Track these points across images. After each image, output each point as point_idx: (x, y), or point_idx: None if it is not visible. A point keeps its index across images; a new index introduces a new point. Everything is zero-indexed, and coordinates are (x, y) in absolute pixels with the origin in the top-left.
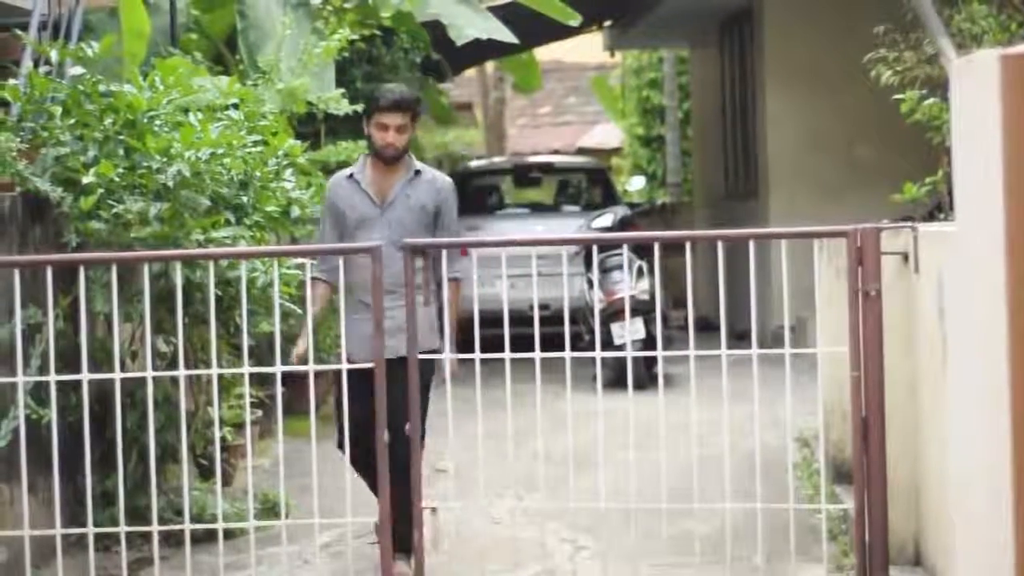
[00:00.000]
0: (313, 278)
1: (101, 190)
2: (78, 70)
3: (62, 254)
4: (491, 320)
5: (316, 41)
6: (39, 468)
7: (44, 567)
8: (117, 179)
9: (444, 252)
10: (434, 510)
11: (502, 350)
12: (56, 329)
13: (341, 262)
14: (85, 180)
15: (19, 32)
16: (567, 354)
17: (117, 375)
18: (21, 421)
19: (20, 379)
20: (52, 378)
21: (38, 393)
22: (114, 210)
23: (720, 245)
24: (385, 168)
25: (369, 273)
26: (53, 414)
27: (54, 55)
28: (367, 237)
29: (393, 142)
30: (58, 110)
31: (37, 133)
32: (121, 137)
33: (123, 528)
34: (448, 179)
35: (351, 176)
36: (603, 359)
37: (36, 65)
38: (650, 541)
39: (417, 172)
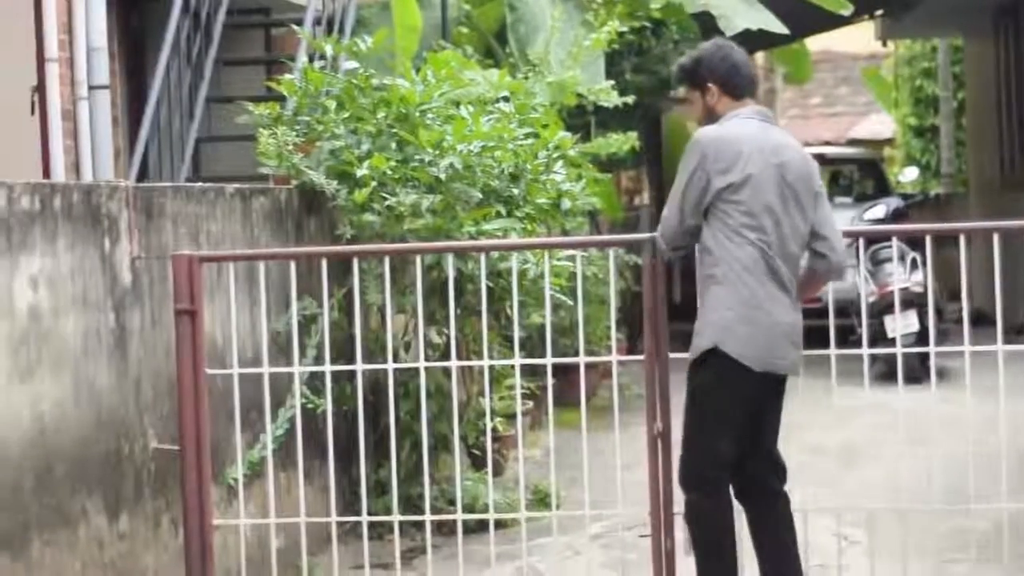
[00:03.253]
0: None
1: (374, 183)
2: (352, 64)
3: (336, 246)
4: None
5: (586, 33)
6: (314, 456)
7: (319, 554)
8: (390, 172)
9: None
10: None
11: None
12: (331, 320)
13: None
14: (359, 173)
15: (295, 27)
16: (831, 351)
17: (390, 365)
18: (297, 410)
19: (296, 369)
20: (327, 368)
21: (313, 383)
22: (387, 203)
23: (996, 237)
24: None
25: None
26: (328, 404)
27: (329, 50)
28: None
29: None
30: (333, 104)
31: (312, 127)
32: (394, 130)
33: (396, 517)
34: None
35: None
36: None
37: (311, 60)
38: (922, 537)
39: None
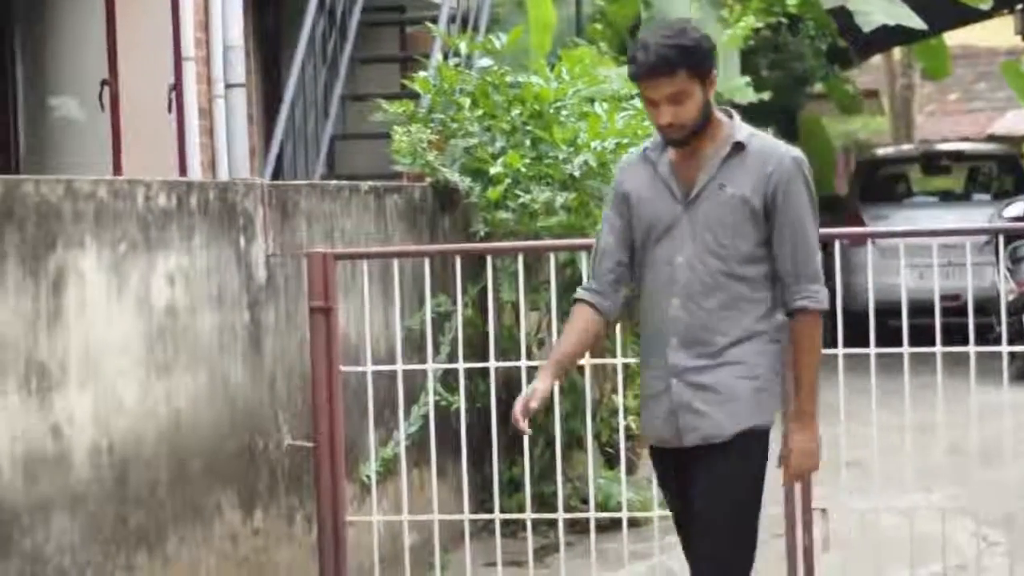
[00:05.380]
0: (576, 299)
1: (508, 180)
2: (486, 62)
3: (470, 243)
4: (889, 311)
5: (721, 30)
6: (448, 454)
7: (452, 551)
8: (524, 169)
9: (787, 265)
10: (824, 511)
11: (898, 343)
12: (464, 317)
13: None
14: (493, 170)
15: (430, 25)
16: (971, 348)
17: (523, 363)
18: (431, 407)
19: (430, 366)
20: (461, 365)
21: (447, 380)
22: (521, 200)
23: None
24: (685, 148)
25: (666, 311)
26: (462, 401)
27: (463, 47)
28: (666, 251)
29: (672, 121)
30: (467, 101)
31: (446, 124)
32: (528, 128)
33: (529, 515)
34: (792, 153)
35: (645, 154)
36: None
37: (445, 57)
38: None
39: (738, 145)
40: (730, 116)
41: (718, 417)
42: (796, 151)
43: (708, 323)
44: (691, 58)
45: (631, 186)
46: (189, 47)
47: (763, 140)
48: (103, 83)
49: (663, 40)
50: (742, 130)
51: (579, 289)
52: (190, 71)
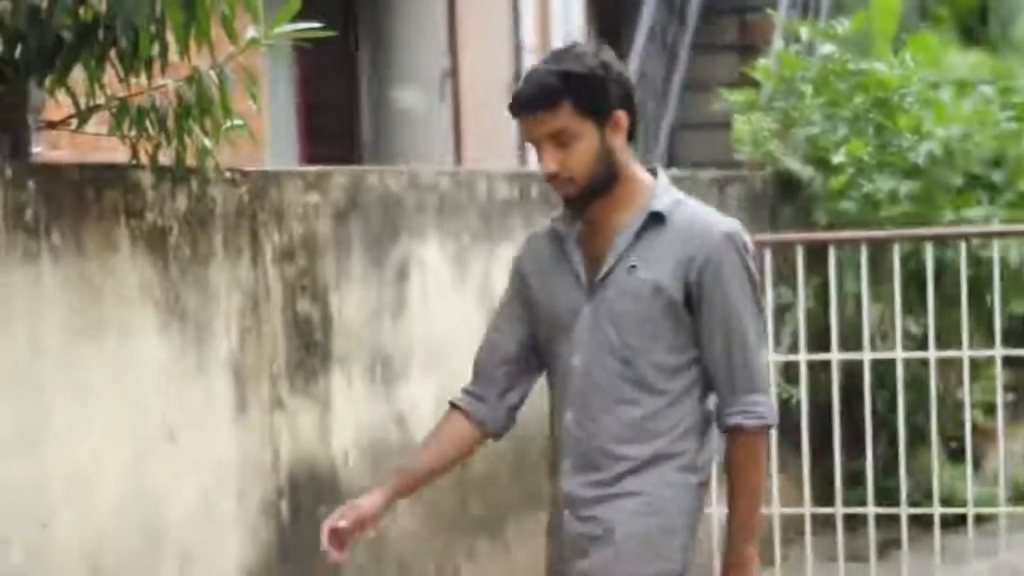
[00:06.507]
0: (450, 403)
1: (851, 169)
2: (828, 48)
3: (812, 233)
4: None
5: None
6: (788, 447)
7: (793, 544)
8: (867, 158)
9: (719, 371)
10: None
11: None
12: (806, 308)
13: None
14: (835, 159)
15: (770, 12)
16: None
17: (866, 355)
18: (772, 399)
19: (771, 357)
20: (802, 357)
21: (788, 372)
22: (864, 189)
23: None
24: (590, 214)
25: (561, 426)
26: (803, 393)
27: (804, 34)
28: (564, 349)
29: (558, 170)
30: (808, 89)
31: (787, 112)
32: (871, 115)
33: (871, 509)
34: (724, 226)
35: (552, 224)
36: None
37: (786, 45)
38: None
39: (656, 216)
40: (654, 175)
41: (603, 563)
42: (731, 223)
43: (605, 445)
44: (579, 89)
45: (531, 265)
46: (529, 38)
47: (691, 210)
48: (444, 74)
49: (548, 65)
50: (665, 195)
51: (459, 391)
52: (530, 61)
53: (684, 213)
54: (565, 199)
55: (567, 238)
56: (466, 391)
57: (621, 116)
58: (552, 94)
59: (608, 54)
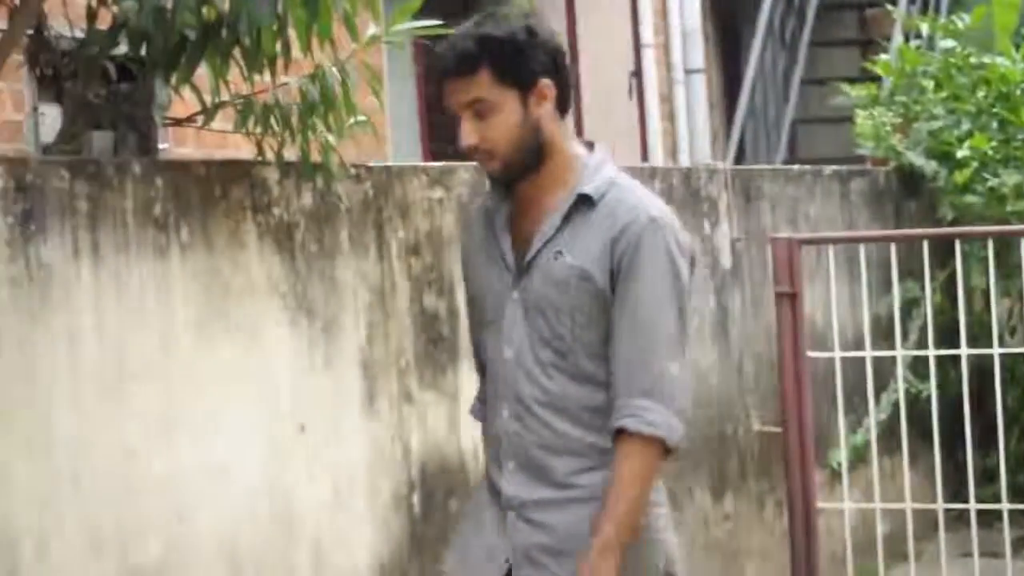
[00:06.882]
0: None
1: (975, 163)
2: (949, 43)
3: (937, 228)
4: None
5: None
6: (919, 442)
7: (925, 540)
8: (991, 152)
9: (618, 367)
10: None
11: None
12: (933, 303)
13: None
14: (959, 154)
15: (890, 7)
16: None
17: (996, 350)
18: (900, 394)
19: (899, 352)
20: (931, 352)
21: (916, 367)
22: (989, 183)
23: None
24: (519, 192)
25: (496, 422)
26: (932, 388)
27: (924, 29)
28: (495, 339)
29: (477, 143)
30: (930, 84)
31: (909, 107)
32: (994, 110)
33: (1005, 505)
34: (651, 211)
35: (485, 201)
36: None
37: (907, 39)
38: None
39: (584, 197)
40: (591, 150)
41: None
42: (659, 207)
43: (548, 442)
44: (499, 55)
45: (470, 245)
46: (648, 34)
47: (621, 191)
48: None
49: (467, 30)
50: (597, 175)
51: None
52: (649, 57)
53: (614, 194)
54: (489, 176)
55: (496, 217)
56: (476, 397)
57: (547, 85)
58: (469, 60)
59: (536, 20)
